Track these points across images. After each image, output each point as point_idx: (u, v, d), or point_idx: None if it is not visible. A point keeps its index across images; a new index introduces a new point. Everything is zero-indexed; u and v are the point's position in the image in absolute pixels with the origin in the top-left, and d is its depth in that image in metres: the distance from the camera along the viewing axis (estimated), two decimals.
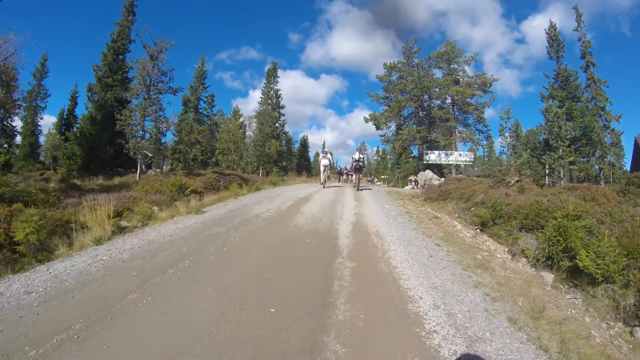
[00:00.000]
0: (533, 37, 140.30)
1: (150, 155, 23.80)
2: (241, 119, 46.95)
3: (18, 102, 21.09)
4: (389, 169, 66.60)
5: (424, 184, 32.91)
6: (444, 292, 5.71)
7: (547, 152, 23.86)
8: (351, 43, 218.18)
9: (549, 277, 8.50)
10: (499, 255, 9.66)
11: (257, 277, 6.01)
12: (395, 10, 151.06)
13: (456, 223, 12.96)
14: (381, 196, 18.69)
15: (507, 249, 10.92)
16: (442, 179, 30.87)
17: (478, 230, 12.81)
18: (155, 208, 12.44)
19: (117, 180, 21.32)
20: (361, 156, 21.14)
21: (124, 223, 10.53)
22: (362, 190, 21.29)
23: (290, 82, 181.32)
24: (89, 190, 16.41)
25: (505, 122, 18.28)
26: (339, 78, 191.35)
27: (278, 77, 51.07)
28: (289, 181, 31.75)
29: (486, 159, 57.75)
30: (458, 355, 4.10)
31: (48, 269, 6.25)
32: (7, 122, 36.87)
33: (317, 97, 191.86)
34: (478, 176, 46.52)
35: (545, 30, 33.52)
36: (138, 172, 21.58)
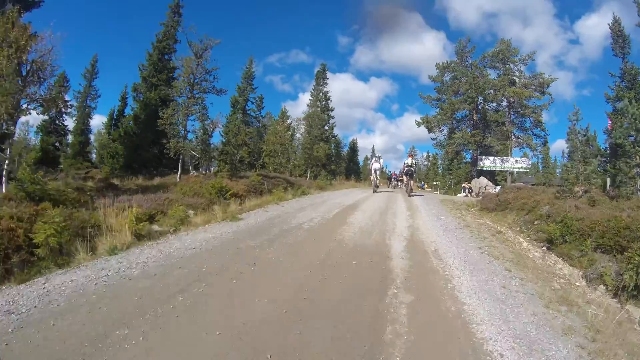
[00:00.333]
0: (587, 37, 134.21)
1: (197, 155, 23.47)
2: (289, 121, 46.38)
3: (69, 102, 21.18)
4: (439, 174, 64.77)
5: (479, 192, 31.37)
6: (529, 344, 4.49)
7: (613, 158, 22.07)
8: (400, 46, 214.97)
9: (636, 313, 7.25)
10: (577, 284, 8.41)
11: (285, 315, 4.86)
12: (445, 12, 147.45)
13: (521, 239, 11.71)
14: (435, 205, 17.52)
15: (581, 273, 9.65)
16: (498, 187, 29.28)
17: (544, 247, 11.55)
18: (190, 212, 11.74)
19: (157, 180, 21.03)
20: (413, 161, 21.21)
21: (155, 227, 9.79)
22: (413, 196, 20.57)
23: (339, 85, 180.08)
24: (126, 190, 16.02)
25: (575, 124, 16.74)
26: (389, 81, 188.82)
27: (327, 79, 50.36)
28: (336, 185, 30.99)
29: (540, 166, 55.17)
30: None
31: (44, 283, 5.43)
32: (59, 122, 37.86)
33: (366, 100, 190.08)
34: (533, 184, 44.46)
35: (608, 24, 31.01)
36: (179, 173, 21.19)
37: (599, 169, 18.59)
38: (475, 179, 34.77)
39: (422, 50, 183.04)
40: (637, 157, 15.97)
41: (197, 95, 22.23)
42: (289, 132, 40.02)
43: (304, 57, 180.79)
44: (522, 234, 13.18)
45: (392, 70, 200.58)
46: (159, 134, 25.35)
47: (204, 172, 30.63)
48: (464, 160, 45.60)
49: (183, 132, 22.47)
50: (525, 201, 16.56)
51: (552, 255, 10.70)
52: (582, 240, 10.72)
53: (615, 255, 9.43)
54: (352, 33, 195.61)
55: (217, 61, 31.06)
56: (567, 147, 63.42)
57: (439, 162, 72.87)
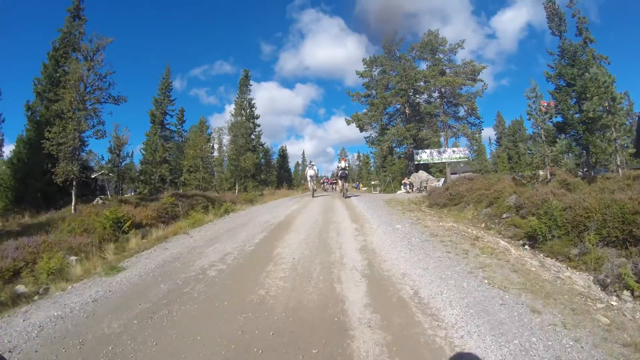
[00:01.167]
0: (503, 31, 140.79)
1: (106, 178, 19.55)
2: (209, 131, 42.71)
3: None
4: (372, 173, 62.99)
5: (421, 187, 29.22)
6: None
7: (559, 137, 20.59)
8: (324, 50, 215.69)
9: None
10: (630, 316, 5.75)
11: None
12: (366, 15, 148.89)
13: (501, 242, 9.14)
14: (381, 207, 14.81)
15: (591, 277, 7.17)
16: (441, 180, 27.26)
17: (526, 246, 9.14)
18: (73, 258, 8.57)
19: (45, 216, 16.56)
20: (346, 164, 21.62)
21: (20, 288, 6.99)
22: (350, 197, 20.60)
23: (265, 94, 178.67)
24: (4, 233, 12.22)
25: (534, 102, 14.47)
26: (314, 86, 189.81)
27: (251, 85, 47.75)
28: (267, 196, 27.68)
29: (470, 154, 54.49)
30: None
31: None
32: None
33: (293, 107, 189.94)
34: (467, 172, 43.29)
35: (543, 4, 30.01)
36: (73, 204, 16.69)
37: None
38: (415, 174, 32.65)
39: (346, 53, 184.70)
40: (614, 129, 13.91)
41: (89, 107, 18.15)
42: (210, 144, 36.20)
43: (229, 68, 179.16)
44: (493, 232, 10.82)
45: (317, 76, 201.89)
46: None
47: (117, 196, 26.71)
48: (398, 156, 43.51)
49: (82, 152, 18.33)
50: (482, 192, 14.32)
51: (545, 258, 8.33)
52: (577, 233, 8.36)
53: (627, 249, 7.38)
54: (276, 40, 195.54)
55: (113, 64, 26.44)
56: (496, 134, 64.24)
57: (372, 160, 71.36)
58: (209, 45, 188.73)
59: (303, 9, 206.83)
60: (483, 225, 11.73)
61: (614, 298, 6.20)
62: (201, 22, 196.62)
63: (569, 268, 7.54)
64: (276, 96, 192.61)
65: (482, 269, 6.30)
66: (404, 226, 10.16)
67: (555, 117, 24.19)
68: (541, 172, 13.67)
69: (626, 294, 6.36)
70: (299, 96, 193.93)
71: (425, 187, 28.49)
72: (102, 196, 31.56)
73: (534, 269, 6.78)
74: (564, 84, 27.09)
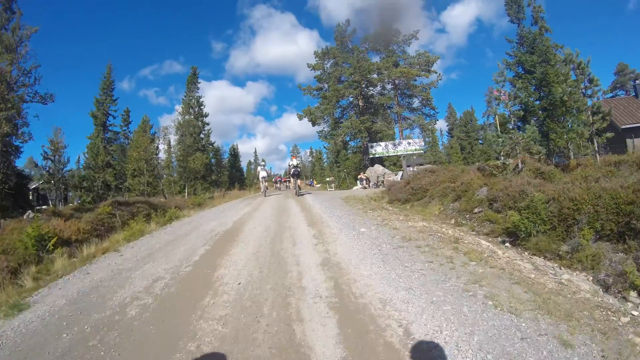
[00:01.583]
0: (453, 26, 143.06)
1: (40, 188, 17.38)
2: (152, 131, 40.29)
3: None
4: (326, 169, 61.80)
5: (377, 181, 28.17)
6: None
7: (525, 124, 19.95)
8: (275, 47, 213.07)
9: None
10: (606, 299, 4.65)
11: None
12: (317, 10, 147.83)
13: (483, 242, 7.95)
14: (339, 206, 13.54)
15: (589, 277, 6.14)
16: (399, 173, 26.28)
17: (507, 244, 8.07)
18: None
19: None
20: (298, 162, 21.92)
21: None
22: (303, 194, 20.33)
23: (216, 93, 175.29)
24: None
25: (502, 86, 13.43)
26: (265, 84, 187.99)
27: (199, 83, 45.69)
28: (217, 199, 25.94)
29: (425, 146, 54.19)
30: None
31: None
32: None
33: (244, 105, 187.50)
34: (421, 164, 42.73)
35: None
36: None
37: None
38: (370, 168, 31.57)
39: (297, 49, 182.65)
40: (589, 115, 12.99)
41: (9, 107, 15.85)
42: (154, 145, 33.90)
43: (179, 67, 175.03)
44: (463, 228, 9.74)
45: (268, 73, 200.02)
46: None
47: (52, 208, 24.34)
48: (352, 150, 42.30)
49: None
50: (446, 185, 13.28)
51: (532, 257, 7.28)
52: (565, 227, 7.31)
53: (625, 242, 6.40)
54: (226, 38, 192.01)
55: (39, 57, 23.49)
56: (447, 125, 64.22)
57: (325, 156, 70.20)
58: (158, 44, 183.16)
59: (254, 4, 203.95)
60: (453, 221, 10.64)
61: (629, 305, 5.10)
62: (149, 20, 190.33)
63: (562, 268, 6.46)
64: (227, 95, 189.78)
65: (479, 284, 4.99)
66: (370, 229, 8.82)
67: (515, 104, 23.71)
68: (510, 161, 12.70)
69: (633, 295, 5.31)
70: (250, 94, 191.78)
71: (383, 182, 27.48)
72: (39, 207, 29.02)
73: (532, 275, 5.58)
74: (523, 72, 26.75)
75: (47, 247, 9.66)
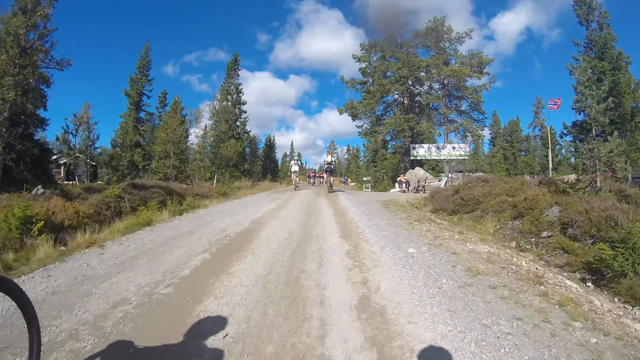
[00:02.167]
0: (502, 33, 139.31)
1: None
2: (184, 112, 39.09)
3: None
4: (362, 168, 59.83)
5: (418, 186, 26.14)
6: None
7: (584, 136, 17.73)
8: (320, 42, 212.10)
9: None
10: None
11: None
12: (366, 9, 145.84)
13: (567, 281, 6.05)
14: (377, 212, 11.71)
15: None
16: (444, 179, 24.18)
17: (588, 283, 6.17)
18: None
19: None
20: (333, 159, 21.43)
21: None
22: (336, 192, 20.11)
23: (259, 84, 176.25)
24: None
25: (586, 88, 11.25)
26: (308, 78, 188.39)
27: (239, 70, 45.36)
28: (243, 190, 24.34)
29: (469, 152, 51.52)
30: None
31: None
32: None
33: (286, 98, 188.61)
34: (461, 171, 40.24)
35: None
36: None
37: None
38: (411, 171, 29.51)
39: (342, 46, 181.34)
40: None
41: (24, 72, 14.56)
42: (183, 127, 32.48)
43: (223, 56, 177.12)
44: (528, 255, 7.85)
45: (312, 68, 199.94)
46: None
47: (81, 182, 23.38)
48: (393, 151, 40.18)
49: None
50: (503, 199, 11.35)
51: (624, 304, 5.37)
52: None
53: None
54: (272, 30, 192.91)
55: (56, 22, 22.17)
56: (490, 134, 61.23)
57: (362, 154, 68.33)
58: (204, 31, 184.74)
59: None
60: (514, 244, 8.68)
61: None
62: (196, 6, 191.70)
63: None
64: (269, 86, 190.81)
65: None
66: (421, 250, 6.85)
67: (579, 114, 21.45)
68: (593, 177, 10.63)
69: None
70: (292, 87, 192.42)
71: (423, 187, 25.50)
72: (66, 183, 28.20)
73: None
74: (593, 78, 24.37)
75: (32, 232, 8.23)
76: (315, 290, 4.76)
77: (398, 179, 28.07)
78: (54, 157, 36.68)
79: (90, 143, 33.52)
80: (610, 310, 4.79)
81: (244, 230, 8.71)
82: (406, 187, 26.17)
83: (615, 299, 5.51)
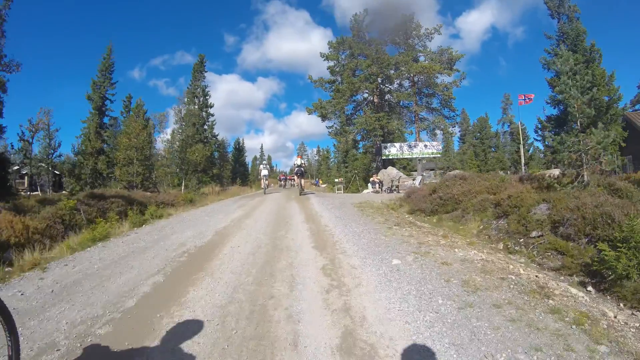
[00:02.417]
0: (467, 32, 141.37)
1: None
2: (148, 116, 37.44)
3: None
4: (333, 169, 58.99)
5: (392, 186, 25.48)
6: None
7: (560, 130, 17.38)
8: (288, 43, 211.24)
9: None
10: None
11: None
12: (332, 9, 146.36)
13: (572, 290, 5.28)
14: (352, 216, 11.04)
15: None
16: (418, 178, 23.52)
17: (589, 288, 5.55)
18: None
19: None
20: (302, 161, 21.21)
21: None
22: (307, 195, 19.88)
23: (226, 87, 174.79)
24: None
25: (569, 78, 10.68)
26: (276, 80, 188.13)
27: (205, 72, 43.95)
28: (211, 196, 23.23)
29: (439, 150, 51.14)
30: None
31: None
32: None
33: (254, 100, 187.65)
34: (432, 169, 39.98)
35: None
36: None
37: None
38: (383, 170, 28.78)
39: (310, 47, 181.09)
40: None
41: None
42: (147, 131, 30.92)
43: (190, 59, 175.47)
44: (518, 257, 7.23)
45: (280, 69, 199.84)
46: None
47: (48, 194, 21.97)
48: (364, 150, 39.35)
49: None
50: (484, 197, 10.77)
51: (631, 310, 4.74)
52: None
53: None
54: (239, 31, 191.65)
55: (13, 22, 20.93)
56: (460, 131, 61.23)
57: (332, 155, 67.67)
58: (170, 34, 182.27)
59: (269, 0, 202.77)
60: (501, 245, 8.04)
61: None
62: (161, 9, 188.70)
63: None
64: (237, 89, 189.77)
65: None
66: (406, 261, 6.00)
67: (554, 107, 21.23)
68: (562, 172, 10.11)
69: None
70: (260, 89, 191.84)
71: (397, 187, 24.87)
72: (29, 194, 26.70)
73: None
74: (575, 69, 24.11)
75: None
76: (287, 325, 3.85)
77: (371, 179, 27.29)
78: (16, 167, 34.92)
79: (52, 151, 31.92)
80: (627, 323, 4.12)
81: (205, 244, 7.78)
82: (379, 188, 25.48)
83: (621, 304, 4.89)
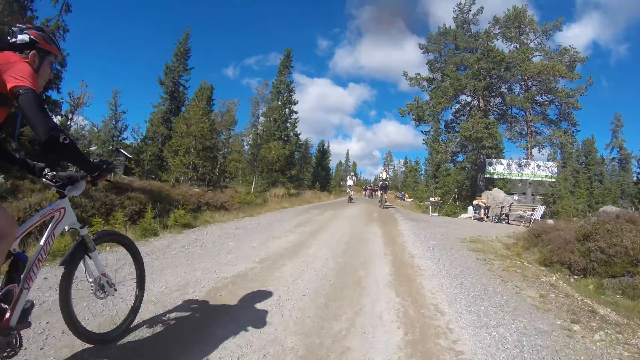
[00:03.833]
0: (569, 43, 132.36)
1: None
2: (213, 103, 34.52)
3: None
4: (421, 183, 53.21)
5: (501, 214, 20.14)
6: None
7: None
8: (381, 50, 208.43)
9: None
10: None
11: None
12: (426, 17, 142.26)
13: None
14: (473, 271, 6.70)
15: None
16: (540, 209, 17.72)
17: None
18: None
19: None
20: (387, 176, 22.25)
21: None
22: (388, 208, 21.41)
23: (318, 90, 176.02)
24: None
25: None
26: (367, 87, 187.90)
27: (292, 67, 42.10)
28: (273, 202, 18.79)
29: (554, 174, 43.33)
30: None
31: None
32: None
33: (344, 105, 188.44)
34: (540, 194, 33.47)
35: None
36: None
37: None
38: (488, 192, 23.25)
39: (402, 55, 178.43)
40: None
41: None
42: (209, 118, 27.42)
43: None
44: None
45: (371, 76, 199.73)
46: None
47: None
48: (461, 166, 33.52)
49: None
50: None
51: None
52: None
53: None
54: (333, 36, 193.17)
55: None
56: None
57: (422, 167, 62.09)
58: (265, 35, 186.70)
59: (364, 4, 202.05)
60: None
61: None
62: (260, 11, 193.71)
63: None
64: (328, 93, 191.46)
65: None
66: None
67: None
68: None
69: None
70: (351, 95, 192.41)
71: (507, 216, 19.75)
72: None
73: None
74: None
75: None
76: None
77: (475, 202, 21.74)
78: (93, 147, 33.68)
79: (118, 133, 29.94)
80: None
81: (220, 299, 3.82)
82: (485, 214, 20.20)
83: None
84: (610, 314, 5.48)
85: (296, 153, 44.23)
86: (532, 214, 17.64)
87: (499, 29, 28.93)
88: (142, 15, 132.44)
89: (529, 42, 28.98)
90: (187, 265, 5.61)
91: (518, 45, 28.56)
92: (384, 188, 21.42)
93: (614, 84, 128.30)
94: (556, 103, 27.64)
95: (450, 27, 30.23)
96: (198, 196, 15.42)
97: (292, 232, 9.41)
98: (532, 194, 27.63)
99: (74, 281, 2.79)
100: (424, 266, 6.65)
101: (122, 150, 35.19)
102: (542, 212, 17.72)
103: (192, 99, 30.33)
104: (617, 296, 6.42)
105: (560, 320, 4.64)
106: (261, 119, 38.85)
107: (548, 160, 28.10)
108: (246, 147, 36.50)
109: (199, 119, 24.19)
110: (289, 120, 40.99)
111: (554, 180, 28.15)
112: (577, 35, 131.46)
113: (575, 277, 7.56)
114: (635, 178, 57.75)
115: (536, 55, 28.21)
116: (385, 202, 21.87)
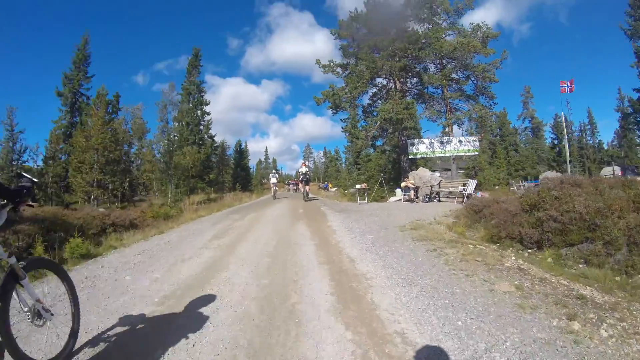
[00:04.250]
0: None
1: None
2: (117, 111, 31.84)
3: None
4: (343, 172, 52.45)
5: (431, 193, 19.56)
6: None
7: None
8: (292, 46, 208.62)
9: None
10: None
11: None
12: (336, 10, 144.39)
13: None
14: (412, 254, 6.13)
15: None
16: (472, 183, 17.24)
17: None
18: None
19: None
20: (307, 169, 22.67)
21: None
22: (312, 200, 22.10)
23: (231, 90, 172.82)
24: None
25: None
26: (281, 82, 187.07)
27: (201, 66, 40.66)
28: (187, 212, 16.26)
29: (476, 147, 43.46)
30: None
31: None
32: None
33: (259, 103, 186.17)
34: (459, 169, 33.48)
35: None
36: None
37: None
38: (414, 173, 22.52)
39: (314, 49, 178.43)
40: None
41: None
42: (110, 125, 24.83)
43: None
44: None
45: (284, 71, 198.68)
46: None
47: None
48: (382, 149, 32.77)
49: None
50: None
51: None
52: None
53: None
54: (243, 35, 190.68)
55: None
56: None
57: (342, 156, 62.45)
58: (174, 39, 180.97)
59: (272, 2, 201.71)
60: None
61: None
62: (166, 14, 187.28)
63: None
64: (241, 92, 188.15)
65: None
66: None
67: None
68: None
69: None
70: (265, 92, 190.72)
71: (437, 194, 19.20)
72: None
73: None
74: None
75: None
76: None
77: (402, 184, 20.80)
78: None
79: (16, 156, 26.80)
80: None
81: None
82: (414, 195, 19.33)
83: None
84: (594, 293, 4.60)
85: (213, 156, 42.65)
86: (464, 189, 17.07)
87: (411, 10, 28.17)
88: (40, 21, 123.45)
89: (441, 22, 28.61)
90: (63, 325, 3.64)
91: (431, 26, 28.04)
92: (306, 181, 21.75)
93: (517, 60, 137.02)
94: (472, 79, 27.54)
95: (362, 11, 29.06)
96: (102, 217, 13.36)
97: (206, 248, 7.82)
98: (458, 170, 27.25)
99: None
100: (369, 273, 5.35)
101: (25, 175, 31.35)
102: (474, 186, 17.21)
103: (90, 107, 26.96)
104: (581, 266, 6.08)
105: (555, 320, 3.58)
106: (173, 124, 36.35)
107: (467, 134, 28.26)
108: (158, 155, 33.95)
109: (99, 130, 21.60)
110: (202, 123, 39.48)
111: (476, 153, 28.19)
112: (482, 19, 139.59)
113: (529, 250, 7.17)
114: (549, 143, 61.84)
115: (449, 35, 27.82)
116: (309, 194, 22.31)
